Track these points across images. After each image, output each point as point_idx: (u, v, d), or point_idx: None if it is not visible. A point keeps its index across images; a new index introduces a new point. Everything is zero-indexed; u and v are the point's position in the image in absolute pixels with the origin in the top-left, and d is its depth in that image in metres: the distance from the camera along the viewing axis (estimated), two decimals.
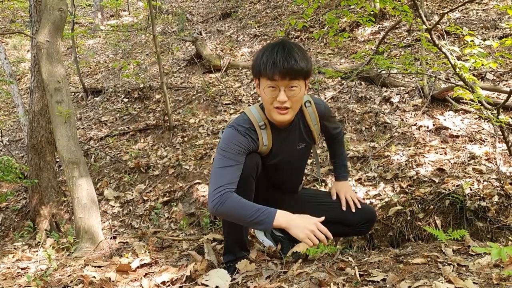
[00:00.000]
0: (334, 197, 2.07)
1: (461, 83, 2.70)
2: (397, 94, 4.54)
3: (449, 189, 2.94)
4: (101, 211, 4.04)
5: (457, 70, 2.52)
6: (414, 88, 4.48)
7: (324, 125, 2.00)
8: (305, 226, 1.57)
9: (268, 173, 1.91)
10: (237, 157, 1.69)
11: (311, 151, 2.14)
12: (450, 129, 3.80)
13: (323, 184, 3.54)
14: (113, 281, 1.87)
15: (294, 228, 1.57)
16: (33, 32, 4.14)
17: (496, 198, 2.77)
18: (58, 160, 4.56)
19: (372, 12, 4.87)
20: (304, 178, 2.39)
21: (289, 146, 1.91)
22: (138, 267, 2.03)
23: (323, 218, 1.63)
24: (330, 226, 2.19)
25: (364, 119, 4.29)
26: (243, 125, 1.75)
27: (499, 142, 3.45)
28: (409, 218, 2.94)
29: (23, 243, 3.49)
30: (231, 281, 1.71)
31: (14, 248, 3.06)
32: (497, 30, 5.16)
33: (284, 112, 1.67)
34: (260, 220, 1.58)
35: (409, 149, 3.63)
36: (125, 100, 6.46)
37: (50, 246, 2.82)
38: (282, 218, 1.59)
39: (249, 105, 5.30)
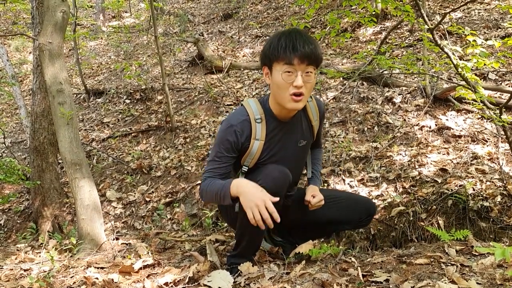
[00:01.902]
0: (309, 197, 1.97)
1: (463, 83, 2.69)
2: (399, 94, 4.53)
3: (451, 189, 2.93)
4: (104, 212, 4.04)
5: (459, 70, 2.52)
6: (416, 88, 4.47)
7: (320, 123, 2.01)
8: (252, 199, 1.57)
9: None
10: (226, 154, 1.78)
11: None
12: (453, 129, 3.79)
13: (325, 184, 3.53)
14: (116, 282, 1.87)
15: (242, 197, 1.61)
16: (35, 33, 4.16)
17: (499, 198, 2.76)
18: (60, 161, 4.56)
19: (374, 12, 4.86)
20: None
21: (289, 142, 1.89)
22: (140, 268, 2.03)
23: (276, 199, 1.59)
24: (332, 227, 2.19)
25: (366, 119, 4.29)
26: (239, 117, 1.79)
27: (501, 142, 3.44)
28: (411, 218, 2.93)
29: (26, 244, 3.49)
30: (233, 282, 1.71)
31: (17, 250, 3.07)
32: (499, 29, 5.15)
33: (299, 98, 1.67)
34: (223, 195, 1.69)
35: (412, 149, 3.62)
36: (127, 101, 6.47)
37: (53, 247, 2.83)
38: (235, 187, 1.65)
39: None
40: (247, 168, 1.88)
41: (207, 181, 1.77)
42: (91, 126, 6.11)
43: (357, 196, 2.23)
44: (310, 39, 1.65)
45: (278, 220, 1.57)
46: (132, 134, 5.50)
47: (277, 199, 1.60)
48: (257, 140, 1.80)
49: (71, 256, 2.52)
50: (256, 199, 1.57)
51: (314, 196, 1.95)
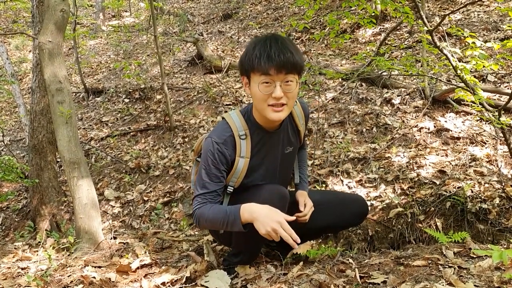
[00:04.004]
0: (302, 208, 1.88)
1: (462, 84, 2.69)
2: (398, 96, 4.53)
3: (450, 191, 2.93)
4: (102, 211, 4.04)
5: (458, 71, 2.52)
6: (415, 90, 4.48)
7: (305, 126, 1.92)
8: (268, 223, 1.48)
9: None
10: (216, 171, 1.67)
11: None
12: (451, 131, 3.80)
13: (323, 185, 3.54)
14: (113, 281, 1.87)
15: (257, 222, 1.50)
16: (35, 32, 4.15)
17: (497, 200, 2.76)
18: (59, 160, 4.56)
19: (373, 14, 4.86)
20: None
21: (276, 152, 1.80)
22: (138, 268, 2.03)
23: (292, 218, 1.53)
24: (326, 231, 2.16)
25: (365, 121, 4.29)
26: (223, 134, 1.68)
27: (500, 144, 3.44)
28: (409, 220, 2.93)
29: (24, 243, 3.49)
30: (230, 283, 1.71)
31: (15, 248, 3.06)
32: (498, 32, 5.16)
33: (280, 109, 1.57)
34: (231, 223, 1.57)
35: (410, 151, 3.63)
36: (126, 100, 6.46)
37: (51, 246, 2.82)
38: (246, 213, 1.53)
39: None
40: (232, 188, 1.76)
41: (202, 208, 1.65)
42: (90, 125, 6.10)
43: (349, 198, 2.11)
44: (287, 46, 1.53)
45: (298, 241, 1.48)
46: (131, 133, 5.50)
47: (293, 218, 1.54)
48: (241, 157, 1.69)
49: (68, 255, 2.52)
50: (272, 223, 1.47)
51: (305, 204, 1.89)
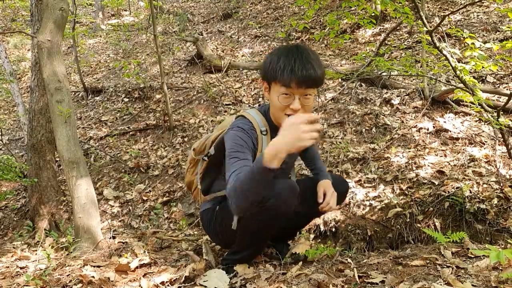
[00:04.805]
0: (320, 200, 1.85)
1: (461, 85, 2.70)
2: (397, 96, 4.54)
3: (448, 192, 2.94)
4: (101, 210, 4.04)
5: (458, 72, 2.53)
6: (415, 90, 4.48)
7: None
8: (294, 137, 1.32)
9: None
10: (246, 144, 1.61)
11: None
12: (450, 131, 3.80)
13: None
14: (112, 281, 1.87)
15: (284, 147, 1.33)
16: (34, 31, 4.15)
17: (495, 201, 2.77)
18: (58, 159, 4.56)
19: (373, 14, 4.86)
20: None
21: None
22: (137, 267, 2.03)
23: (308, 116, 1.37)
24: (317, 215, 2.13)
25: (364, 121, 4.29)
26: (247, 125, 1.69)
27: (499, 144, 3.45)
28: (408, 220, 2.94)
29: (22, 242, 3.48)
30: (229, 282, 1.71)
31: (13, 247, 3.06)
32: (498, 32, 5.16)
33: None
34: (259, 172, 1.39)
35: (409, 151, 3.63)
36: (126, 99, 6.46)
37: (49, 245, 2.82)
38: (266, 154, 1.36)
39: (249, 106, 5.30)
40: None
41: (234, 178, 1.49)
42: (89, 124, 6.10)
43: (335, 180, 2.04)
44: (310, 60, 1.55)
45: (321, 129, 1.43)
46: (130, 133, 5.49)
47: (308, 116, 1.37)
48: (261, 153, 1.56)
49: (67, 254, 2.52)
50: (296, 136, 1.32)
51: (325, 194, 1.86)
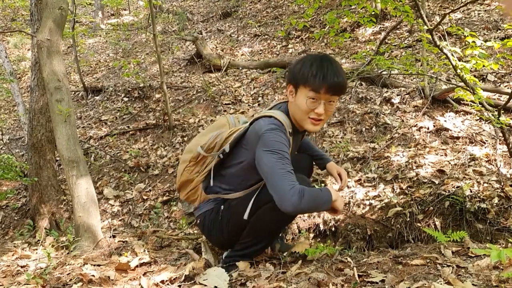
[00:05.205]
0: (339, 182, 2.10)
1: (462, 84, 2.70)
2: (397, 95, 4.53)
3: (449, 191, 2.93)
4: (101, 210, 4.04)
5: (458, 71, 2.52)
6: (415, 89, 4.48)
7: None
8: (341, 202, 1.71)
9: None
10: (288, 156, 1.68)
11: None
12: (451, 130, 3.80)
13: (322, 185, 3.54)
14: (112, 279, 1.87)
15: (336, 202, 1.68)
16: (33, 30, 4.14)
17: (496, 200, 2.77)
18: (58, 158, 4.56)
19: (373, 13, 4.86)
20: None
21: (294, 150, 1.96)
22: (137, 266, 2.03)
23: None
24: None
25: (364, 120, 4.29)
26: (281, 127, 1.74)
27: (499, 143, 3.44)
28: (408, 219, 2.93)
29: (23, 241, 3.48)
30: (229, 281, 1.71)
31: (14, 246, 3.06)
32: (498, 31, 5.16)
33: (318, 123, 1.74)
34: (324, 200, 1.65)
35: (409, 150, 3.63)
36: (125, 99, 6.46)
37: (50, 244, 2.82)
38: (334, 193, 1.68)
39: (248, 105, 5.29)
40: None
41: (304, 189, 1.61)
42: (89, 124, 6.10)
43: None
44: (340, 70, 1.69)
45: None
46: (130, 132, 5.49)
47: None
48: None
49: (67, 253, 2.52)
50: (342, 202, 1.73)
51: (339, 174, 2.11)
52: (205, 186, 2.00)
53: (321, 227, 3.15)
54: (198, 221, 2.04)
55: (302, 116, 1.74)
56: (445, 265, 1.62)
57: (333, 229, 3.13)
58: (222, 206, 1.92)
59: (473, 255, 1.74)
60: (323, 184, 3.53)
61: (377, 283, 1.54)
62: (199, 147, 1.96)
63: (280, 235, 2.34)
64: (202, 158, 1.97)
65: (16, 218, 4.53)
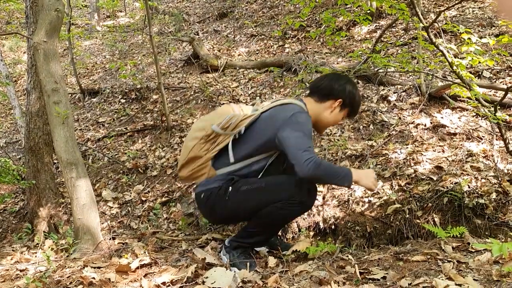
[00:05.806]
0: None
1: (458, 80, 2.71)
2: (394, 93, 4.54)
3: (447, 187, 2.94)
4: (100, 212, 4.03)
5: (454, 68, 2.53)
6: (411, 87, 4.49)
7: None
8: (370, 179, 1.96)
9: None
10: (312, 138, 1.95)
11: None
12: (448, 127, 3.81)
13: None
14: (112, 281, 1.87)
15: (362, 181, 1.92)
16: (29, 33, 4.13)
17: (494, 195, 2.78)
18: (56, 161, 4.54)
19: (368, 11, 4.87)
20: None
21: None
22: (137, 268, 2.03)
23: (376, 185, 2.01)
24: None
25: (361, 118, 4.30)
26: (309, 116, 2.03)
27: (496, 139, 3.46)
28: (407, 216, 2.94)
29: (22, 245, 3.47)
30: (231, 280, 1.71)
31: (13, 250, 3.05)
32: (493, 28, 5.18)
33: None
34: (342, 177, 1.88)
35: (407, 147, 3.64)
36: (123, 100, 6.44)
37: (49, 247, 2.81)
38: (355, 173, 1.91)
39: (246, 104, 5.29)
40: None
41: (318, 158, 1.87)
42: (87, 126, 6.08)
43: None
44: None
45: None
46: (128, 134, 5.48)
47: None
48: None
49: (67, 256, 2.51)
50: (372, 179, 1.97)
51: None
52: (214, 163, 2.08)
53: (321, 225, 3.16)
54: (202, 195, 2.08)
55: (329, 124, 2.18)
56: (446, 261, 1.63)
57: (333, 227, 3.14)
58: (230, 188, 1.99)
59: (473, 250, 1.74)
60: None
61: (378, 280, 1.54)
62: (215, 125, 2.05)
63: (279, 234, 2.38)
64: (214, 136, 2.05)
65: (14, 222, 4.50)
